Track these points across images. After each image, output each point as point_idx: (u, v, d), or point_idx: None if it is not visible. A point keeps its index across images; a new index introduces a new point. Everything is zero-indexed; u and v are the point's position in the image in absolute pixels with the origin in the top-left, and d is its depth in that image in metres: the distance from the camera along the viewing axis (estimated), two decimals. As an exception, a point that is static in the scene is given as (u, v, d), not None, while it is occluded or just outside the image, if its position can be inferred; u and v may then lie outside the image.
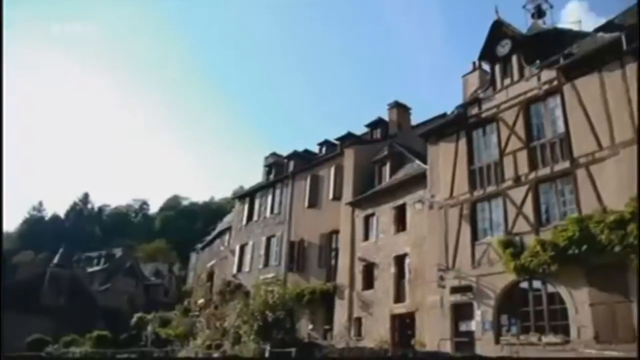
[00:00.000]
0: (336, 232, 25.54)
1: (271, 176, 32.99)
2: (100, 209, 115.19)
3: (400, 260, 21.12)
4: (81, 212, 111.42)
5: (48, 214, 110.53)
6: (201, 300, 33.02)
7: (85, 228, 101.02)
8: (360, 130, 30.24)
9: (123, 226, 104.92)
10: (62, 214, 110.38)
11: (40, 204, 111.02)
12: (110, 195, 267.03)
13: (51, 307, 39.58)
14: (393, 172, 23.84)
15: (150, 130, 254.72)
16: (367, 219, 23.67)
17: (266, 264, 29.63)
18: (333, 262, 25.34)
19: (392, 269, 21.26)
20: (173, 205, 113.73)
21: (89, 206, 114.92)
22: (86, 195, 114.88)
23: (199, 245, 49.03)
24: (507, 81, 18.16)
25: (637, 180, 12.57)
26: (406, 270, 20.65)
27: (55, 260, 49.96)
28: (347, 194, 25.12)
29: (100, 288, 56.52)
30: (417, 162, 22.53)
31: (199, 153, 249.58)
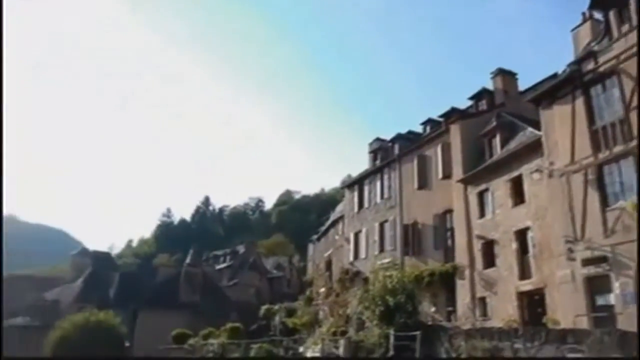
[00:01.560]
0: (449, 211, 24.86)
1: (377, 161, 32.88)
2: (221, 210, 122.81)
3: (521, 234, 20.06)
4: (204, 214, 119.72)
5: (176, 218, 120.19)
6: (322, 289, 33.91)
7: (209, 229, 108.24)
8: (463, 103, 29.08)
9: (242, 224, 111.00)
10: (188, 217, 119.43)
11: (169, 210, 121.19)
12: (229, 196, 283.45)
13: (188, 303, 42.96)
14: (504, 143, 22.61)
15: (257, 129, 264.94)
16: (481, 195, 22.75)
17: (382, 250, 29.66)
18: (449, 242, 24.73)
19: (514, 245, 20.25)
20: (286, 200, 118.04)
21: (211, 208, 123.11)
22: (207, 199, 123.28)
23: (315, 236, 50.33)
24: (625, 27, 16.34)
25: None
26: (529, 245, 19.56)
27: (188, 260, 54.12)
28: (457, 171, 24.30)
29: (229, 283, 60.32)
30: (530, 129, 21.16)
31: (305, 147, 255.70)
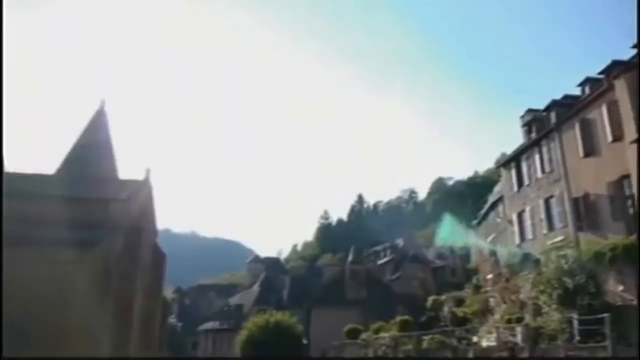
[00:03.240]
0: (626, 176, 21.97)
1: (532, 134, 30.45)
2: (375, 206, 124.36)
3: None
4: (359, 212, 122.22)
5: (334, 219, 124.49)
6: (489, 276, 32.40)
7: (366, 226, 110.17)
8: (625, 54, 25.52)
9: (398, 217, 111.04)
10: (344, 217, 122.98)
11: (326, 212, 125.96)
12: (381, 191, 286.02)
13: (355, 299, 44.23)
14: (687, 90, 19.40)
15: (401, 121, 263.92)
16: (664, 153, 19.76)
17: (550, 228, 27.38)
18: (631, 211, 21.90)
19: None
20: (439, 188, 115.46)
21: (365, 206, 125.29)
22: (360, 197, 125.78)
23: (474, 222, 48.38)
24: None
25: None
26: None
27: (350, 258, 55.64)
28: (630, 131, 21.38)
29: (392, 277, 60.73)
30: None
31: (453, 132, 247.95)
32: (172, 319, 59.48)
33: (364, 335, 31.79)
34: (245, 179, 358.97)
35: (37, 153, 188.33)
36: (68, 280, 17.65)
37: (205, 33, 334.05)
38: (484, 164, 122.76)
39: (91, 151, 26.93)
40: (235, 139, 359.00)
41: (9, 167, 28.00)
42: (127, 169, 47.11)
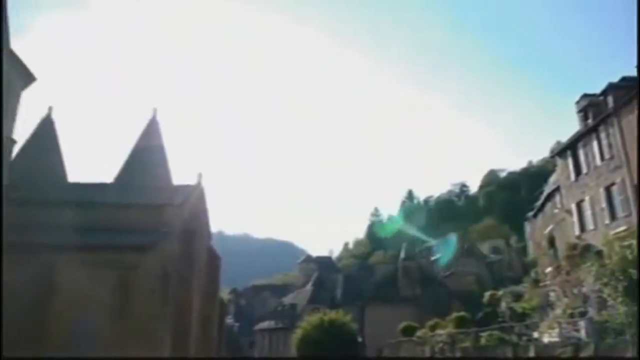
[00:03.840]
0: (695, 160, 20.71)
1: (589, 120, 29.11)
2: (426, 201, 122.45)
3: None
4: (410, 207, 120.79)
5: (384, 217, 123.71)
6: (549, 269, 31.30)
7: (416, 221, 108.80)
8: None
9: (449, 212, 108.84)
10: (394, 213, 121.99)
11: (376, 209, 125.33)
12: (431, 187, 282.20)
13: (409, 296, 43.75)
14: None
15: (444, 113, 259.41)
16: None
17: (613, 217, 26.09)
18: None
19: None
20: (491, 181, 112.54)
21: (415, 201, 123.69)
22: (410, 192, 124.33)
23: (530, 214, 46.87)
24: None
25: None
26: None
27: (402, 255, 55.13)
28: (697, 111, 20.15)
29: (446, 273, 59.68)
30: None
31: (503, 123, 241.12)
32: (229, 320, 60.78)
33: (419, 333, 31.37)
34: (296, 179, 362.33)
35: (93, 160, 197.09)
36: (129, 284, 18.37)
37: (257, 35, 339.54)
38: (538, 153, 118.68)
39: (146, 159, 27.97)
40: (283, 139, 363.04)
41: (71, 176, 29.50)
42: (180, 174, 48.50)
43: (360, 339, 38.59)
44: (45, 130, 30.22)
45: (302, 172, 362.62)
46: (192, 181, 24.83)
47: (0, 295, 16.29)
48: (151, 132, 29.73)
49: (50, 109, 31.02)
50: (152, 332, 18.16)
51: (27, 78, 27.34)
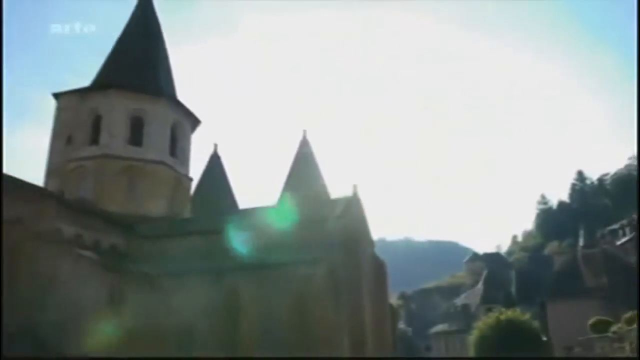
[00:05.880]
0: None
1: None
2: (600, 180, 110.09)
3: None
4: (582, 190, 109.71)
5: (553, 203, 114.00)
6: None
7: (592, 203, 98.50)
8: None
9: (631, 189, 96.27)
10: (565, 198, 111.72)
11: (543, 197, 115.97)
12: (606, 164, 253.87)
13: (594, 287, 39.74)
14: None
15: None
16: None
17: None
18: None
19: None
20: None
21: (588, 182, 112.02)
22: (580, 173, 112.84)
23: None
24: None
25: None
26: None
27: (580, 242, 50.43)
28: None
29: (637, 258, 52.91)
30: None
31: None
32: (401, 325, 61.07)
33: (614, 328, 28.27)
34: (451, 179, 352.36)
35: (255, 184, 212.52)
36: (304, 296, 19.72)
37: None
38: None
39: (303, 178, 29.88)
40: (430, 139, 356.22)
41: (240, 203, 32.61)
42: (336, 186, 50.37)
43: (544, 338, 36.08)
44: (214, 166, 33.96)
45: (456, 169, 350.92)
46: (348, 193, 25.70)
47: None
48: (303, 153, 31.62)
49: (215, 145, 34.79)
50: (330, 339, 19.18)
51: (194, 123, 31.11)
